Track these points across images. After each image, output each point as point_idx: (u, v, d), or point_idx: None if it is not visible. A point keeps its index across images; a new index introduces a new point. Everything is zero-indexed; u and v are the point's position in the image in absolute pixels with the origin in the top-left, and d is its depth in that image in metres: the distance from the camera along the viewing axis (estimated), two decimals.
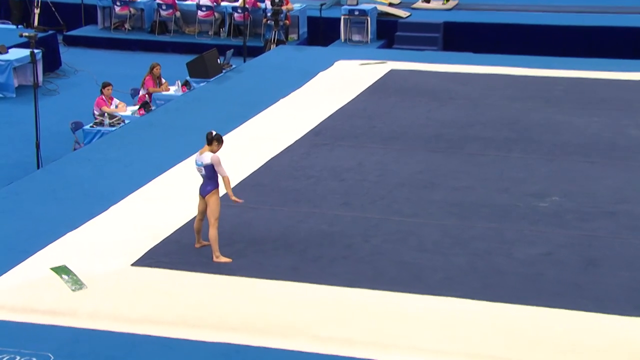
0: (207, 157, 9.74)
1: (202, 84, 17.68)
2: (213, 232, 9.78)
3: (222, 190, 9.93)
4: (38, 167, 14.07)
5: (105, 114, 15.48)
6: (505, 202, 11.60)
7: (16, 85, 19.64)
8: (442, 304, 9.03)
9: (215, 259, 9.85)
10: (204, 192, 9.85)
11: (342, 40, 23.33)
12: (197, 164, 9.86)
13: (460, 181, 12.32)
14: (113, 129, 15.11)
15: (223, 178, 9.77)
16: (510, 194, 11.87)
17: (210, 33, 24.36)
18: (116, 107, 16.08)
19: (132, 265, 9.81)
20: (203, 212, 9.96)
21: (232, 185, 11.92)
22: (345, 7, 23.31)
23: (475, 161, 13.13)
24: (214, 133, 9.82)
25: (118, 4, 24.29)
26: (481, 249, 10.24)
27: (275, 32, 22.70)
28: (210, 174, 9.77)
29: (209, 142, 9.79)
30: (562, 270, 9.75)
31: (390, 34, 23.37)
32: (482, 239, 10.51)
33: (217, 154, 9.77)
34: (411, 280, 9.49)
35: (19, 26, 23.93)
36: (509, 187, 12.11)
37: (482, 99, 16.35)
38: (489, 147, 13.71)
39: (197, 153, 9.90)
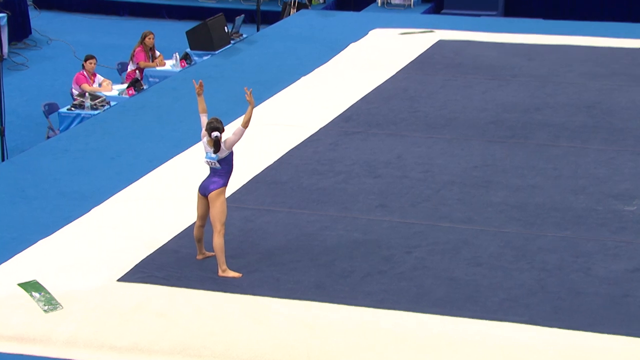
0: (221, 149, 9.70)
1: (205, 58, 17.74)
2: (218, 241, 9.80)
3: (228, 191, 9.96)
4: (3, 160, 14.14)
5: (87, 94, 15.55)
6: (581, 205, 11.58)
7: None
8: (503, 330, 9.02)
9: (221, 274, 9.88)
10: (207, 190, 9.80)
11: (379, 4, 23.35)
12: (208, 157, 9.80)
13: (524, 179, 12.31)
14: (96, 112, 15.18)
15: (243, 128, 9.72)
16: (588, 195, 11.85)
17: None
18: (100, 85, 16.17)
19: (119, 280, 9.85)
20: (204, 217, 9.95)
21: (243, 182, 11.99)
22: None
23: (544, 154, 13.11)
24: (214, 123, 9.71)
25: None
26: (551, 263, 10.22)
27: None
28: (225, 169, 9.76)
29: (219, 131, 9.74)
30: None
31: None
32: (552, 250, 10.49)
33: (227, 137, 9.72)
34: (464, 302, 9.49)
35: None
36: (586, 186, 12.09)
37: (552, 76, 16.30)
38: (560, 137, 13.69)
39: (204, 142, 9.79)
